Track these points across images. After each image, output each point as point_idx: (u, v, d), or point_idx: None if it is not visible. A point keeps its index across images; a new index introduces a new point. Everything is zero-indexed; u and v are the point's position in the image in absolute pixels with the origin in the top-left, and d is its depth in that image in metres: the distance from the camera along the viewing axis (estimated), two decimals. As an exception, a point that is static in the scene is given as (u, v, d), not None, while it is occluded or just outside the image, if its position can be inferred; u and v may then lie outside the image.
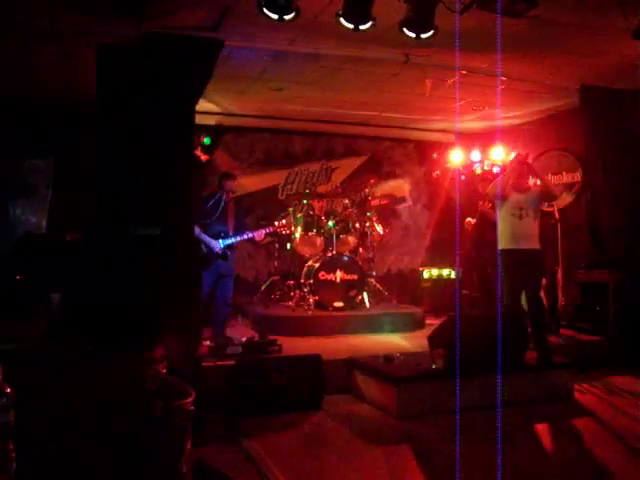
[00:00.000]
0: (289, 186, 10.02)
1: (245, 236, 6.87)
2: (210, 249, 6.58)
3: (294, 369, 5.41)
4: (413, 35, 4.89)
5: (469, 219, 8.36)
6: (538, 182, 6.56)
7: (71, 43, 5.90)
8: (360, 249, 8.68)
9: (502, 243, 6.26)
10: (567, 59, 6.48)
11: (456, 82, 7.04)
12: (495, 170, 8.97)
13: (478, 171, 9.43)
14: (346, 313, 7.80)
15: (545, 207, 7.86)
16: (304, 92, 7.77)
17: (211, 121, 9.02)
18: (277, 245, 8.80)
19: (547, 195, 6.44)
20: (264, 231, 7.06)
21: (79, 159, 7.40)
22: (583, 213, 7.94)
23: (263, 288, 8.70)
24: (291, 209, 8.53)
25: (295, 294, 8.15)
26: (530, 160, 6.56)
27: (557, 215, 8.04)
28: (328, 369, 5.59)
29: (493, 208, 7.62)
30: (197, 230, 6.42)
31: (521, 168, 6.35)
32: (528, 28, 5.47)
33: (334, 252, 8.07)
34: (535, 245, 6.16)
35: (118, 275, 5.00)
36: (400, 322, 7.86)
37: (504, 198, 6.28)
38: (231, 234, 6.78)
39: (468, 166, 9.75)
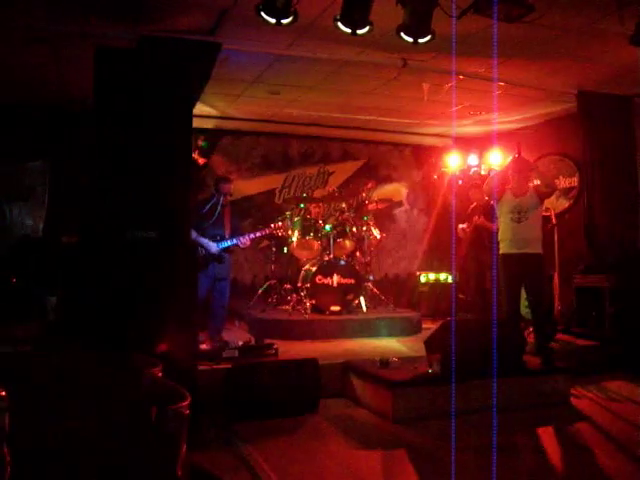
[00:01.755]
0: (286, 190, 10.04)
1: (242, 239, 6.84)
2: (207, 251, 6.56)
3: (291, 373, 5.40)
4: (411, 40, 4.90)
5: (461, 225, 8.36)
6: (537, 182, 6.52)
7: (69, 45, 5.91)
8: (357, 253, 8.67)
9: (502, 247, 6.25)
10: (564, 64, 6.50)
11: (453, 87, 7.06)
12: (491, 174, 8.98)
13: (481, 172, 9.43)
14: (343, 317, 7.78)
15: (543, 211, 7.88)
16: (301, 96, 7.78)
17: (208, 124, 9.04)
18: (274, 249, 8.78)
19: (545, 190, 6.32)
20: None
21: (76, 161, 7.39)
22: (580, 218, 7.94)
23: (260, 292, 8.67)
24: (288, 213, 8.51)
25: (292, 298, 8.13)
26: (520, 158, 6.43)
27: (554, 220, 8.06)
28: (324, 373, 5.58)
29: (487, 219, 7.65)
30: (194, 233, 6.41)
31: (520, 171, 6.29)
32: (525, 33, 5.48)
33: (331, 256, 8.05)
34: (535, 249, 6.12)
35: (115, 278, 4.98)
36: (397, 326, 7.85)
37: (498, 198, 6.27)
38: (227, 238, 6.76)
39: (465, 170, 9.77)
